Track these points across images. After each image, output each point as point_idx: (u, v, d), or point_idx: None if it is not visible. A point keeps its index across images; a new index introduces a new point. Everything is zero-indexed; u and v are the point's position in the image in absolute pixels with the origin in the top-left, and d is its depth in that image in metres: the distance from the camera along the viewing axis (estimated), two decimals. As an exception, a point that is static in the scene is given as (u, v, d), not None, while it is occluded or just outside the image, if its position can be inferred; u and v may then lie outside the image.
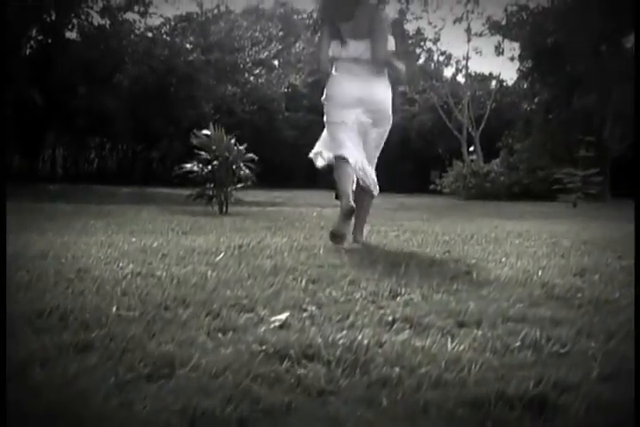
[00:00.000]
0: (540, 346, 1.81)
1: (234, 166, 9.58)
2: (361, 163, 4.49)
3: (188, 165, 9.76)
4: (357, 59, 4.48)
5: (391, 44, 4.52)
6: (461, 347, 1.78)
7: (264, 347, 1.74)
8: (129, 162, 35.54)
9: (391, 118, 4.67)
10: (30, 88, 20.10)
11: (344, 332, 1.90)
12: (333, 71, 4.60)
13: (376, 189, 4.73)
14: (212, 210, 9.39)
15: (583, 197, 16.89)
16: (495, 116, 28.88)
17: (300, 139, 31.79)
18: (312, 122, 27.15)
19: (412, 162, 32.39)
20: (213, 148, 9.54)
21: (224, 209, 9.51)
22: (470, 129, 27.62)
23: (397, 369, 1.57)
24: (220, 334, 1.90)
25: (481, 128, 27.37)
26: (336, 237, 4.38)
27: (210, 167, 9.48)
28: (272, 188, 23.05)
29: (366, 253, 4.17)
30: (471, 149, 27.06)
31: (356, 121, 4.52)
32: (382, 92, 4.56)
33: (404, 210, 13.49)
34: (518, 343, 1.82)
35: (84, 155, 35.05)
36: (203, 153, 9.55)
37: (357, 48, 4.46)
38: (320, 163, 4.83)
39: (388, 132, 4.72)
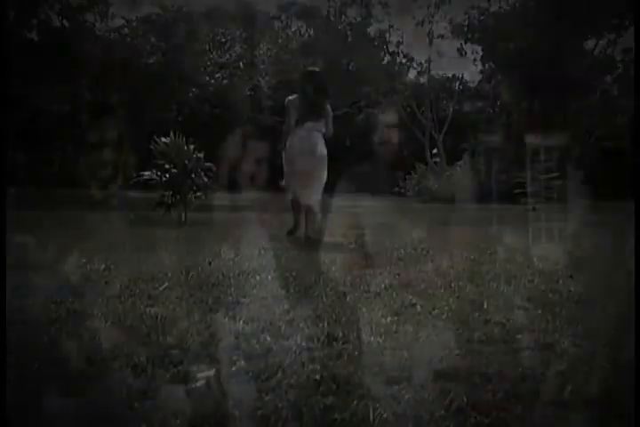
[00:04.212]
0: (464, 414, 1.75)
1: (192, 175, 9.48)
2: (308, 197, 6.97)
3: (147, 173, 9.61)
4: (312, 129, 6.99)
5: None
6: (384, 416, 1.72)
7: (178, 421, 1.66)
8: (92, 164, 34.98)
9: (326, 161, 7.10)
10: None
11: (266, 398, 1.83)
12: (293, 136, 7.02)
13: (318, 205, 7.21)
14: (171, 218, 9.25)
15: (544, 201, 17.05)
16: (458, 119, 28.95)
17: (264, 139, 31.58)
18: (276, 122, 27.01)
19: (376, 164, 32.36)
20: (172, 155, 9.44)
21: (183, 218, 9.39)
22: (433, 131, 27.66)
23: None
24: (136, 403, 1.81)
25: (444, 131, 27.41)
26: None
27: (168, 175, 9.37)
28: (238, 189, 22.82)
29: (316, 277, 4.12)
30: (434, 151, 27.07)
31: (307, 165, 6.95)
32: (323, 148, 7.05)
33: (368, 214, 13.47)
34: (442, 412, 1.76)
35: (47, 156, 34.43)
36: (162, 161, 9.44)
37: (314, 123, 7.00)
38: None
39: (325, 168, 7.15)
